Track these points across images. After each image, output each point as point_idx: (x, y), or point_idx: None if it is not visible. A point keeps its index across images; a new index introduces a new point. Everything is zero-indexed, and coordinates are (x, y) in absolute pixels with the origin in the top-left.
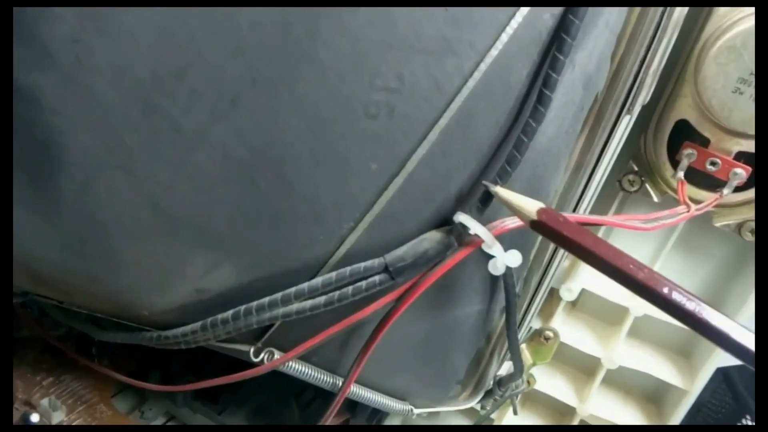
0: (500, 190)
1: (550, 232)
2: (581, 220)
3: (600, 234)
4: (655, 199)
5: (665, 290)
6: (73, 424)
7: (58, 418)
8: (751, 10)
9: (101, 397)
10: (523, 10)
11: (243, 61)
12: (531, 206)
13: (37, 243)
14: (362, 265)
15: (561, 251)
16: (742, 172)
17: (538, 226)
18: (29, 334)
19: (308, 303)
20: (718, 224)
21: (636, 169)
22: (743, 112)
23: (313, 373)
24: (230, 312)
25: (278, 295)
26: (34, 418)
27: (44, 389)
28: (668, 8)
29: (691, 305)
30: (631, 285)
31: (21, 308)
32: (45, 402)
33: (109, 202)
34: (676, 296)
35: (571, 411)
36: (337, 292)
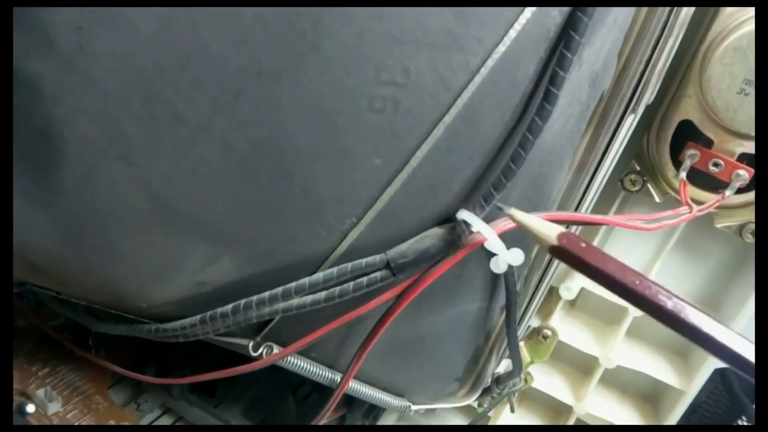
0: (516, 212)
1: (571, 258)
2: (583, 219)
3: (600, 234)
4: (657, 199)
5: (698, 322)
6: (69, 414)
7: (53, 408)
8: None
9: (97, 388)
10: (532, 7)
11: (246, 52)
12: (550, 231)
13: (35, 232)
14: (364, 261)
15: None
16: (744, 174)
17: (557, 251)
18: (26, 325)
19: (309, 298)
20: (719, 225)
21: (638, 168)
22: (748, 113)
23: (311, 368)
24: (230, 306)
25: (279, 290)
26: (30, 408)
27: (40, 380)
28: (675, 7)
29: (723, 338)
30: (660, 315)
31: (18, 298)
32: (41, 393)
33: (108, 192)
34: (709, 328)
35: (567, 409)
36: (338, 288)
